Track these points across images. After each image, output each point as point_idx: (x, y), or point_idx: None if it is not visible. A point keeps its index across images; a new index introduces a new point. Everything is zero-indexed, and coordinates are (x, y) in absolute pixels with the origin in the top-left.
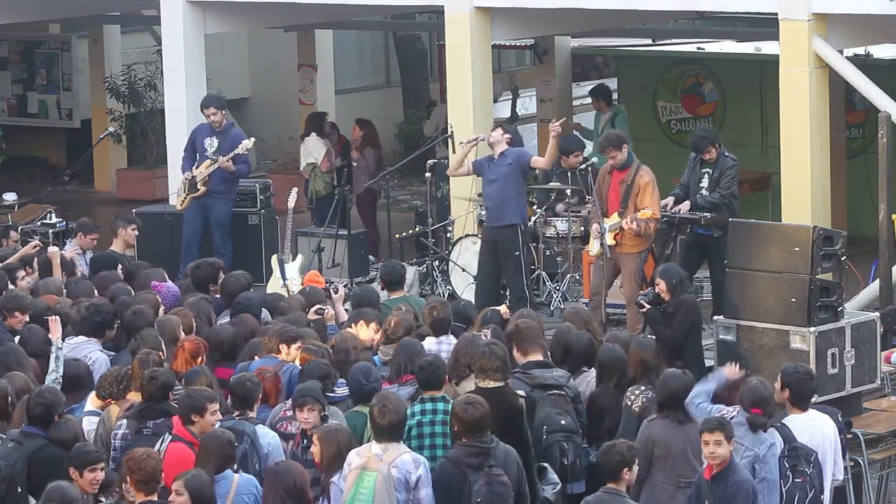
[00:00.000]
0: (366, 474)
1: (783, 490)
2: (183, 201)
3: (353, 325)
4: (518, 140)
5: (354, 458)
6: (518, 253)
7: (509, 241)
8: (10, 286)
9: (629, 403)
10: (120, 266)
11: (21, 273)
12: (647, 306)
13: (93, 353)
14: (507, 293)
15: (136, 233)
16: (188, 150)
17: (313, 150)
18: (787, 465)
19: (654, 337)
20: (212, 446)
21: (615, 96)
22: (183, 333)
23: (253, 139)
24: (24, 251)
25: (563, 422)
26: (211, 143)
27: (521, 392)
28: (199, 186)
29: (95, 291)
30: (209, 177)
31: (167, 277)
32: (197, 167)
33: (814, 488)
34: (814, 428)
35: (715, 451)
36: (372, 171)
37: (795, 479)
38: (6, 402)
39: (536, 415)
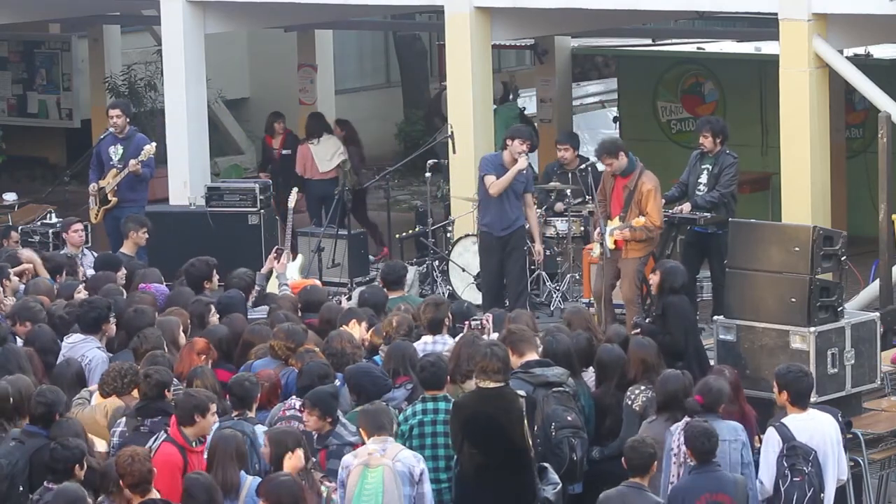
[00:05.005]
0: (369, 471)
1: (781, 489)
2: (96, 214)
3: (345, 324)
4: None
5: (351, 459)
6: (526, 248)
7: (519, 239)
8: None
9: (630, 403)
10: (123, 269)
11: (11, 272)
12: (639, 330)
13: (90, 351)
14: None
15: (147, 235)
16: (94, 163)
17: (334, 149)
18: (786, 465)
19: None
20: (227, 447)
21: (615, 95)
22: (182, 333)
23: (154, 144)
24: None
25: (569, 418)
26: (115, 151)
27: (521, 392)
28: (109, 198)
29: (84, 291)
30: (117, 186)
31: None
32: (103, 178)
33: (812, 487)
34: (813, 427)
35: None
36: (357, 169)
37: (794, 479)
38: (7, 403)
39: (542, 412)
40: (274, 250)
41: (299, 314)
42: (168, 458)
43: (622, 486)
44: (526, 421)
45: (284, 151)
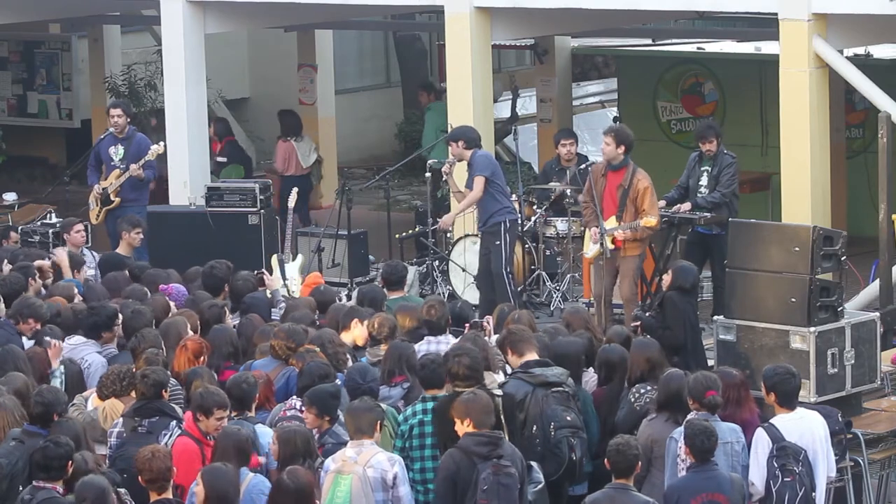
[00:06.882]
0: (341, 478)
1: (773, 490)
2: (97, 215)
3: (347, 323)
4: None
5: (331, 463)
6: (498, 242)
7: (493, 234)
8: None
9: (633, 400)
10: (127, 269)
11: (38, 268)
12: (638, 323)
13: (89, 355)
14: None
15: (141, 236)
16: (93, 163)
17: (311, 145)
18: (776, 465)
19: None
20: (229, 443)
21: (615, 95)
22: (190, 332)
23: (162, 143)
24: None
25: (568, 418)
26: (116, 152)
27: (497, 392)
28: (112, 198)
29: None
30: (119, 186)
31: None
32: (105, 178)
33: (804, 486)
34: (802, 427)
35: None
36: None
37: (785, 479)
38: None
39: (542, 411)
40: (255, 275)
41: (315, 314)
42: (186, 446)
43: (607, 488)
44: (504, 418)
45: (220, 159)
